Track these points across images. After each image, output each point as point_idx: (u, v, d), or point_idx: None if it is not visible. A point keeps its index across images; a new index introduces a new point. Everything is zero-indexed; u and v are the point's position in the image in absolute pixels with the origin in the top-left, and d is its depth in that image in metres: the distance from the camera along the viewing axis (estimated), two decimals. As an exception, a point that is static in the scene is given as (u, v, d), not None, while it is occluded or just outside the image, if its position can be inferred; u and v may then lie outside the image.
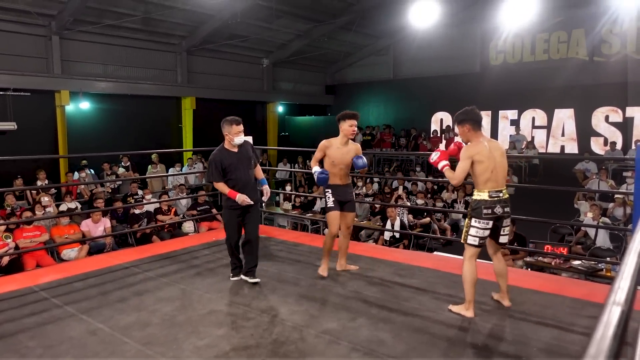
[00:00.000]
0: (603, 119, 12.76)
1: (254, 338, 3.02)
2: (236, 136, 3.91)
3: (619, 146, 12.19)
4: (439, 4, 11.73)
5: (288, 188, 11.85)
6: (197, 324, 3.25)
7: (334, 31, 14.58)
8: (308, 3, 12.84)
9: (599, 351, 0.77)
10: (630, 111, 12.29)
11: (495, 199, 3.22)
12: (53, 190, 9.49)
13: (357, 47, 16.79)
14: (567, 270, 5.80)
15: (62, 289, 3.94)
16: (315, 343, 2.95)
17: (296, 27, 14.11)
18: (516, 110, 14.15)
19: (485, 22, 13.88)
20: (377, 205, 9.33)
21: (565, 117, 13.39)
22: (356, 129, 4.22)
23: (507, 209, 3.27)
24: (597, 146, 12.84)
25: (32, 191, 8.92)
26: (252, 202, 3.88)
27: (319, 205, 10.05)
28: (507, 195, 3.30)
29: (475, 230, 3.24)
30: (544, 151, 13.60)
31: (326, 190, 4.26)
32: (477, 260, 3.37)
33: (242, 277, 4.07)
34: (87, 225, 7.09)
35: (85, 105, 11.93)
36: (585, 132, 13.02)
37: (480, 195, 3.24)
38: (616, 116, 12.57)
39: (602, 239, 6.92)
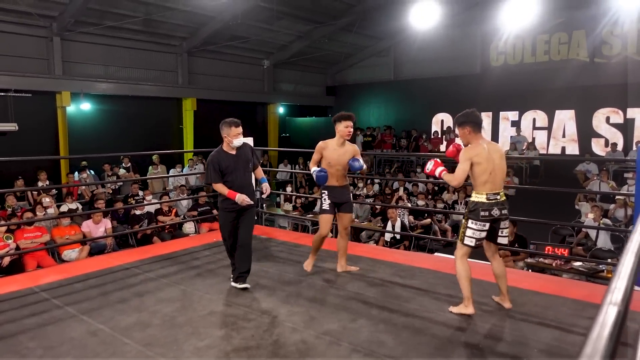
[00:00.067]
0: (604, 120, 12.75)
1: (254, 339, 3.03)
2: (235, 138, 3.86)
3: (619, 147, 12.17)
4: (440, 5, 11.73)
5: (289, 189, 11.86)
6: (197, 324, 3.25)
7: (334, 32, 14.59)
8: (309, 4, 12.85)
9: (594, 351, 0.77)
10: (631, 112, 12.28)
11: (493, 201, 3.24)
12: (54, 191, 9.50)
13: (358, 49, 16.79)
14: (568, 271, 5.80)
15: (63, 290, 3.95)
16: (315, 344, 2.95)
17: (297, 29, 14.12)
18: (517, 112, 14.14)
19: (486, 23, 13.88)
20: (377, 207, 9.33)
21: (566, 118, 13.38)
22: (352, 130, 4.21)
23: (504, 211, 3.29)
24: (598, 147, 12.83)
25: (33, 192, 8.94)
26: (252, 202, 3.85)
27: (319, 206, 10.04)
28: (504, 198, 3.31)
29: (472, 231, 3.27)
30: (545, 152, 13.59)
31: (322, 191, 4.28)
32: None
33: (232, 283, 3.95)
34: (87, 226, 7.10)
35: (86, 106, 11.95)
36: (586, 133, 13.00)
37: (478, 197, 3.27)
38: (617, 117, 12.56)
39: (603, 240, 6.91)
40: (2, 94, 10.23)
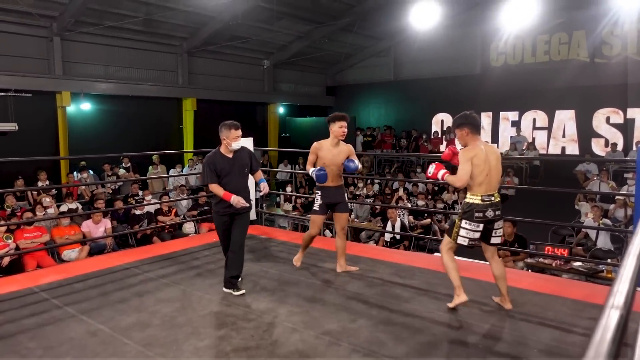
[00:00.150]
0: (604, 120, 12.75)
1: (254, 339, 3.03)
2: (234, 141, 3.82)
3: (619, 147, 12.18)
4: (440, 5, 11.73)
5: (289, 189, 11.86)
6: (197, 325, 3.25)
7: (334, 33, 14.59)
8: (309, 5, 12.85)
9: (597, 354, 0.77)
10: (631, 112, 12.29)
11: (487, 202, 3.29)
12: (54, 191, 9.50)
13: (358, 49, 16.79)
14: (567, 271, 5.80)
15: (63, 290, 3.95)
16: (315, 344, 2.95)
17: (297, 29, 14.12)
18: (517, 112, 14.14)
19: (486, 23, 13.88)
20: (377, 207, 9.33)
21: (566, 119, 13.38)
22: (346, 130, 4.23)
23: (498, 212, 3.33)
24: (598, 147, 12.83)
25: (33, 192, 8.93)
26: (247, 205, 3.80)
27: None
28: (498, 199, 3.36)
29: (466, 231, 3.31)
30: (545, 152, 13.60)
31: (316, 191, 4.31)
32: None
33: (224, 289, 3.85)
34: (87, 226, 7.10)
35: (86, 106, 11.94)
36: (586, 133, 13.01)
37: (473, 198, 3.31)
38: (617, 117, 12.57)
39: (603, 241, 6.91)
40: (2, 94, 10.22)
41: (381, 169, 14.88)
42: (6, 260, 6.03)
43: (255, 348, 2.91)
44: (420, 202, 9.90)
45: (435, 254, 6.74)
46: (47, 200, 8.07)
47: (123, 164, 11.17)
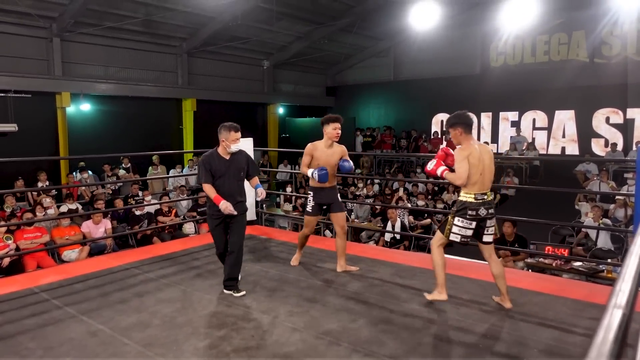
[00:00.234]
0: (604, 120, 12.76)
1: (254, 339, 3.02)
2: (233, 143, 3.77)
3: (619, 147, 12.18)
4: (439, 6, 11.74)
5: (289, 189, 11.87)
6: (197, 325, 3.25)
7: (334, 33, 14.59)
8: (308, 5, 12.85)
9: (599, 355, 0.77)
10: (631, 112, 12.29)
11: (480, 201, 3.33)
12: (54, 192, 9.50)
13: (358, 49, 16.80)
14: (568, 271, 5.80)
15: (63, 290, 3.94)
16: (315, 344, 2.95)
17: (296, 29, 14.13)
18: (517, 112, 14.15)
19: (486, 24, 13.89)
20: (377, 207, 9.33)
21: (565, 119, 13.38)
22: (340, 131, 4.25)
23: (491, 211, 3.38)
24: (597, 147, 12.83)
25: (33, 192, 8.93)
26: (234, 213, 3.71)
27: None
28: (491, 197, 3.40)
29: (458, 228, 3.37)
30: (545, 152, 13.60)
31: (309, 192, 4.35)
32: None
33: (225, 291, 3.84)
34: (87, 226, 7.09)
35: (86, 107, 11.94)
36: (586, 133, 13.01)
37: (467, 196, 3.35)
38: (617, 117, 12.57)
39: (603, 241, 6.91)
40: (2, 94, 10.22)
41: (381, 169, 14.89)
42: (6, 260, 6.02)
43: (255, 348, 2.91)
44: (420, 202, 9.91)
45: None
46: (47, 200, 8.07)
47: (123, 165, 11.17)
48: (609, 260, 5.90)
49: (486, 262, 3.64)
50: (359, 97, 17.61)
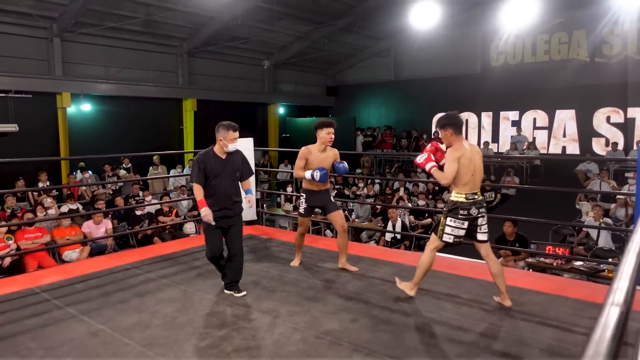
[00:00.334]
0: (604, 119, 12.75)
1: (255, 339, 3.03)
2: (231, 143, 3.72)
3: (620, 147, 12.17)
4: (440, 5, 11.73)
5: (289, 189, 11.87)
6: (198, 325, 3.25)
7: (334, 33, 14.59)
8: (309, 5, 12.85)
9: (597, 353, 0.77)
10: (632, 112, 12.28)
11: (471, 200, 3.38)
12: (54, 192, 9.51)
13: (358, 49, 16.79)
14: (568, 271, 5.79)
15: (64, 291, 3.95)
16: (316, 344, 2.95)
17: (297, 29, 14.12)
18: (517, 111, 14.13)
19: (486, 23, 13.88)
20: (378, 206, 9.33)
21: (566, 118, 13.37)
22: (333, 136, 4.29)
23: (482, 210, 3.43)
24: (598, 147, 12.82)
25: (34, 192, 8.94)
26: (213, 223, 3.63)
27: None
28: (481, 197, 3.45)
29: (451, 229, 3.41)
30: (546, 152, 13.58)
31: (301, 194, 4.40)
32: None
33: (226, 291, 3.85)
34: (88, 226, 7.10)
35: (86, 107, 11.95)
36: (586, 132, 13.00)
37: (458, 197, 3.40)
38: (617, 117, 12.56)
39: (604, 240, 6.91)
40: (3, 95, 10.23)
41: (382, 169, 14.88)
42: (7, 260, 6.03)
43: (256, 348, 2.91)
44: (421, 202, 9.90)
45: (436, 253, 6.74)
46: (48, 200, 8.08)
47: (123, 165, 11.18)
48: (610, 260, 5.89)
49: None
50: (360, 96, 17.60)
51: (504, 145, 14.03)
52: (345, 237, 4.42)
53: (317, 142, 4.32)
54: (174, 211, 8.56)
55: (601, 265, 5.66)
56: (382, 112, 17.27)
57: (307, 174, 4.23)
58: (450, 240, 3.43)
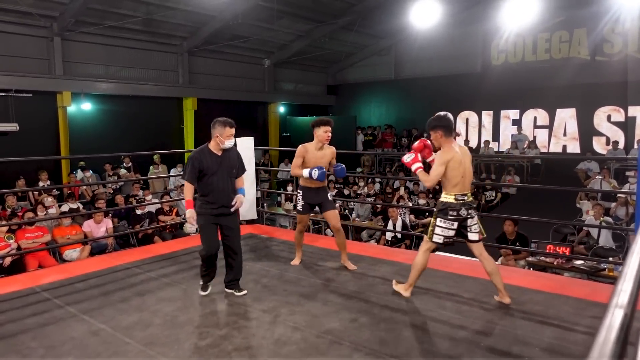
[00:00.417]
0: (605, 118, 12.73)
1: (255, 338, 3.03)
2: (227, 139, 3.68)
3: (621, 145, 12.15)
4: (440, 4, 11.72)
5: (289, 188, 11.85)
6: (198, 324, 3.25)
7: (335, 31, 14.57)
8: (309, 3, 12.84)
9: (601, 355, 0.77)
10: (633, 110, 12.27)
11: (461, 202, 3.41)
12: (55, 191, 9.50)
13: (359, 48, 16.78)
14: (569, 270, 5.79)
15: (64, 290, 3.95)
16: (317, 343, 2.95)
17: (297, 28, 14.11)
18: (518, 110, 14.12)
19: (487, 22, 13.86)
20: (378, 206, 9.33)
21: (567, 117, 13.36)
22: (330, 134, 4.30)
23: (471, 211, 3.46)
24: (599, 146, 12.81)
25: (34, 192, 8.94)
26: (195, 226, 3.64)
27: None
28: (471, 198, 3.48)
29: (440, 229, 3.45)
30: (546, 151, 13.57)
31: (298, 191, 4.44)
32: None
33: (226, 290, 3.84)
34: (89, 225, 7.10)
35: (87, 106, 11.95)
36: (587, 131, 12.99)
37: (448, 198, 3.43)
38: (618, 115, 12.55)
39: (605, 239, 6.90)
40: (3, 94, 10.23)
41: (382, 168, 14.87)
42: (8, 260, 6.03)
43: (256, 347, 2.91)
44: (422, 201, 9.90)
45: (437, 252, 6.73)
46: (48, 200, 8.08)
47: (124, 164, 11.18)
48: (611, 259, 5.89)
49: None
50: (360, 95, 17.59)
51: (505, 144, 14.02)
52: (342, 236, 4.43)
53: (314, 140, 4.33)
54: (175, 210, 8.56)
55: (602, 264, 5.66)
56: (382, 111, 17.26)
57: (305, 172, 4.24)
58: (440, 241, 3.46)
